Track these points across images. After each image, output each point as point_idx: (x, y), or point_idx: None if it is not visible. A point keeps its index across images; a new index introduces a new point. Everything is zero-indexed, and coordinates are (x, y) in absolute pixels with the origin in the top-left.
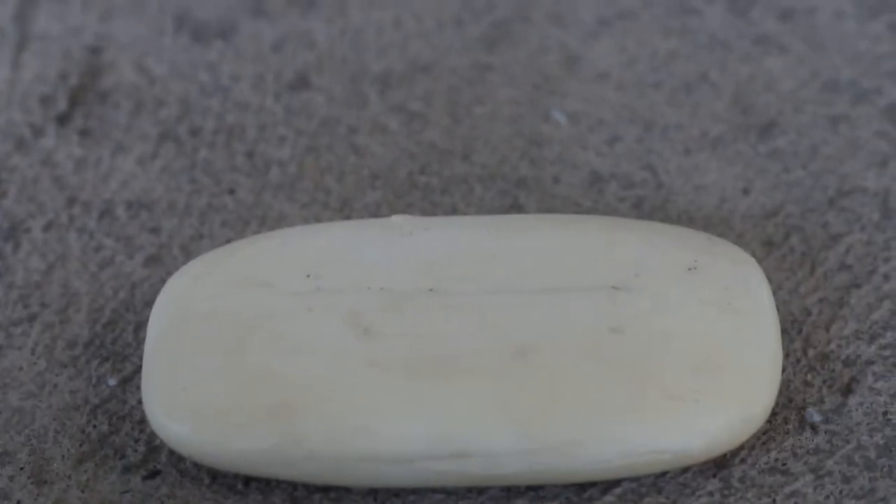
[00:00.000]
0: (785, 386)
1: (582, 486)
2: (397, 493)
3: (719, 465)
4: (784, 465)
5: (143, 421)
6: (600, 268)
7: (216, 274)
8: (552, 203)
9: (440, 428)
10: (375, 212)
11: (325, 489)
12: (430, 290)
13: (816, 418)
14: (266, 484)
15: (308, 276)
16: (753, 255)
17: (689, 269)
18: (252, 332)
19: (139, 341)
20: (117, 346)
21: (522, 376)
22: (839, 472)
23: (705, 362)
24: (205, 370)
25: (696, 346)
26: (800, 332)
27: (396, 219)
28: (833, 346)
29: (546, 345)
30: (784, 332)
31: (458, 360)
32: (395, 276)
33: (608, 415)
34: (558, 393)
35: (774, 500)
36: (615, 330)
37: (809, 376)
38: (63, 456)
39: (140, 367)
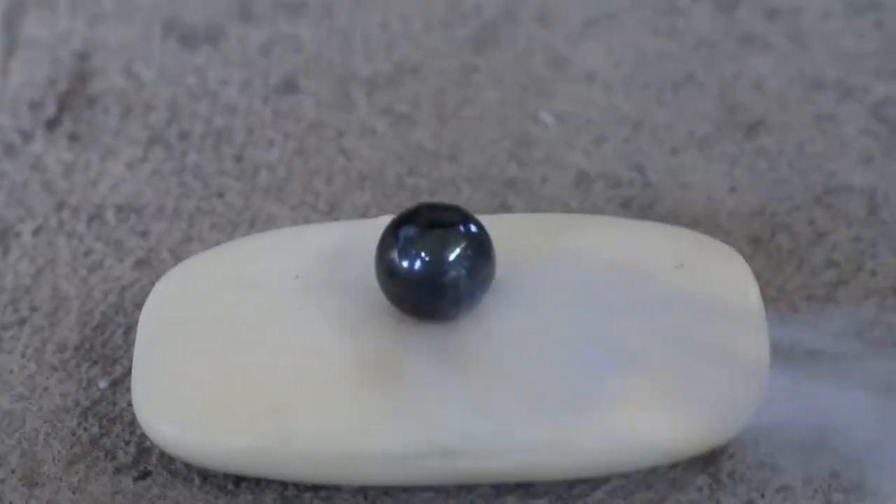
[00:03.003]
0: None
1: (571, 483)
2: (387, 491)
3: (708, 460)
4: (773, 459)
5: (133, 423)
6: (587, 265)
7: (205, 276)
8: (540, 203)
9: (428, 426)
10: (364, 213)
11: (316, 488)
12: None
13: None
14: (256, 484)
15: (297, 276)
16: (741, 252)
17: (676, 267)
18: (241, 333)
19: (129, 344)
20: (107, 348)
21: (510, 373)
22: (827, 466)
23: (692, 359)
24: (194, 372)
25: (683, 342)
26: None
27: (385, 220)
28: None
29: (530, 341)
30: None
31: (439, 347)
32: None
33: (596, 411)
34: (546, 389)
35: (763, 495)
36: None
37: None
38: (54, 458)
39: (130, 369)
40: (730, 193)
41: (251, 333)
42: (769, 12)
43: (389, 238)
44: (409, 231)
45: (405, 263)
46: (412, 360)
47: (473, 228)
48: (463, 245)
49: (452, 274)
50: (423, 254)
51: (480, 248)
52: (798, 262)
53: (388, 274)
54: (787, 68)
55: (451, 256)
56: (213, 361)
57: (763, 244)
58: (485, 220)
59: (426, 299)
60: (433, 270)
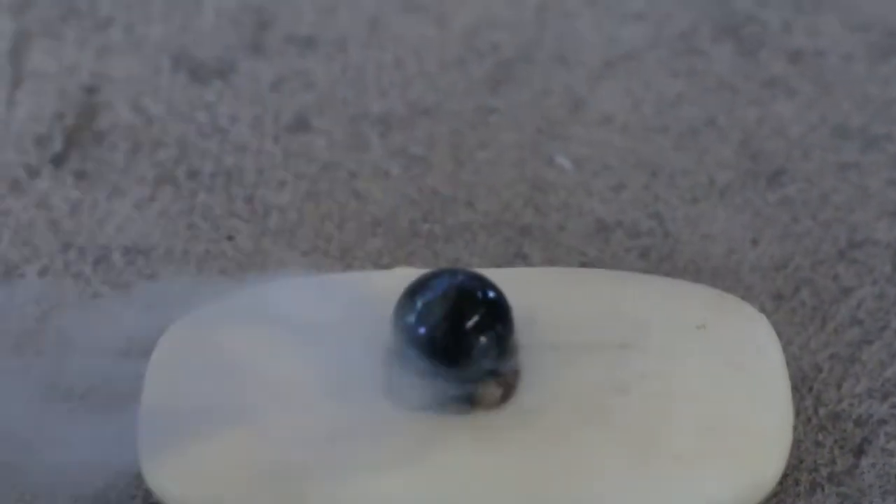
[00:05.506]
0: (796, 446)
1: None
2: None
3: None
4: None
5: (139, 477)
6: (608, 325)
7: (216, 326)
8: (557, 252)
9: (443, 490)
10: (377, 260)
11: None
12: None
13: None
14: None
15: (309, 329)
16: (762, 308)
17: (698, 328)
18: (252, 387)
19: (136, 393)
20: (113, 398)
21: (527, 438)
22: None
23: (714, 424)
24: (202, 426)
25: (705, 407)
26: (810, 389)
27: (400, 272)
28: (845, 404)
29: (551, 405)
30: (795, 389)
31: (462, 420)
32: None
33: (614, 478)
34: (563, 455)
35: None
36: (621, 390)
37: (820, 436)
38: None
39: (136, 420)
40: (751, 246)
41: (263, 387)
42: (792, 55)
43: (407, 304)
44: (426, 297)
45: (422, 331)
46: (432, 423)
47: (491, 295)
48: (481, 313)
49: (471, 343)
50: (440, 322)
51: (499, 315)
52: (822, 320)
53: (405, 341)
54: (810, 114)
55: (469, 324)
56: (223, 416)
57: (786, 300)
58: (502, 274)
59: (445, 367)
60: (451, 339)
